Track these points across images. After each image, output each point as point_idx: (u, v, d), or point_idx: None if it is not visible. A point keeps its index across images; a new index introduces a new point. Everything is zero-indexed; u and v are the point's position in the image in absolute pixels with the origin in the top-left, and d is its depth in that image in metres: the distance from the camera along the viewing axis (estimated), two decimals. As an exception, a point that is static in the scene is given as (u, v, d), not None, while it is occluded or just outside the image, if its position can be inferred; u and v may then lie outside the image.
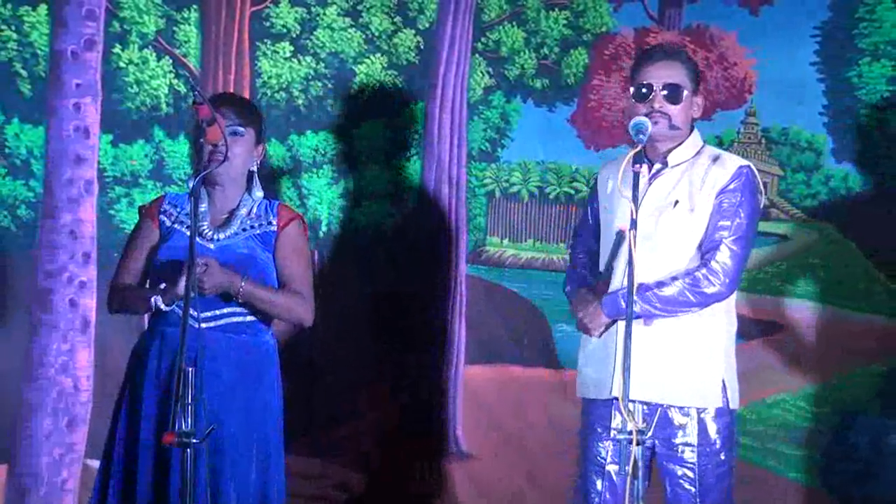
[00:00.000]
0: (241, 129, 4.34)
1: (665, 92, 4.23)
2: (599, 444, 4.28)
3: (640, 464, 3.86)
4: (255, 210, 4.42)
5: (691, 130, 4.35)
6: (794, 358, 5.97)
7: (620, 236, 4.24)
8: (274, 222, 4.42)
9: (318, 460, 5.92)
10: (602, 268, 4.36)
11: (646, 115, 4.18)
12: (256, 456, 4.31)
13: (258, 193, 4.45)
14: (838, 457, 5.83)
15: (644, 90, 4.24)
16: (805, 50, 5.98)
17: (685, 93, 4.26)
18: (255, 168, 4.44)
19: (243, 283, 4.24)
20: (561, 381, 6.10)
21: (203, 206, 4.34)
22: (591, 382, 4.35)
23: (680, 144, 4.30)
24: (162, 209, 4.42)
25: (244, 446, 4.28)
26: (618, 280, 4.24)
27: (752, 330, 6.04)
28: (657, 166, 4.29)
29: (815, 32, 6.00)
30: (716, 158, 4.30)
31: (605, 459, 4.28)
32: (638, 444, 3.86)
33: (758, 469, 5.93)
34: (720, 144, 6.16)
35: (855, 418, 5.79)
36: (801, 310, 5.99)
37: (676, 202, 4.21)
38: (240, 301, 4.26)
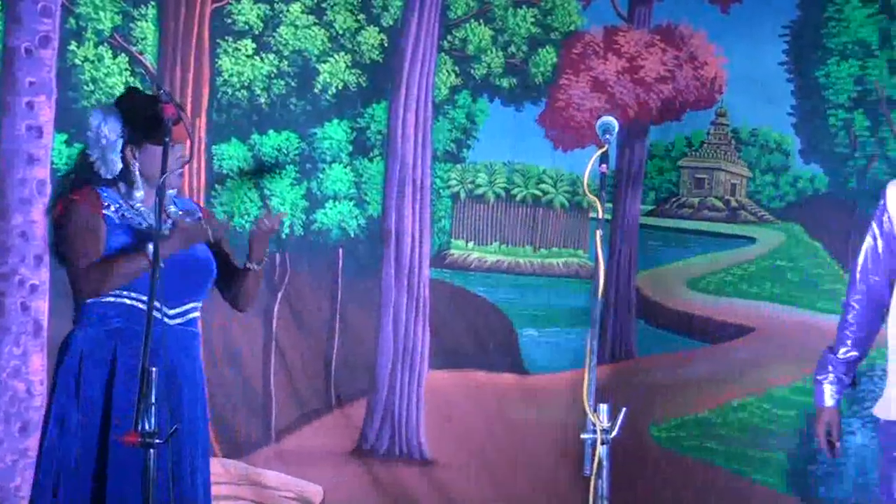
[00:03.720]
0: None
1: None
2: None
3: (604, 464, 3.95)
4: (176, 207, 4.51)
5: None
6: (761, 360, 6.11)
7: None
8: (198, 211, 4.54)
9: (277, 472, 5.98)
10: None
11: None
12: (203, 458, 4.45)
13: (172, 190, 4.53)
14: (804, 459, 5.98)
15: None
16: (774, 49, 6.16)
17: None
18: None
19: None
20: (526, 387, 6.19)
21: (140, 204, 4.40)
22: None
23: None
24: (104, 204, 4.44)
25: (192, 449, 4.40)
26: None
27: (718, 332, 6.20)
28: None
29: (784, 32, 6.18)
30: None
31: None
32: (603, 443, 3.94)
33: (722, 472, 6.08)
34: (690, 146, 6.32)
35: (821, 420, 5.95)
36: (769, 312, 6.14)
37: None
38: (256, 267, 4.40)
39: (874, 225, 4.39)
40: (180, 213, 4.42)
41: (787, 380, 6.09)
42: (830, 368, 4.40)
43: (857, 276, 4.41)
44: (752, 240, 6.26)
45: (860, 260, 4.41)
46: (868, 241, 4.39)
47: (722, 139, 6.32)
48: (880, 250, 4.37)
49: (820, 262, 6.13)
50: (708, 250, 6.32)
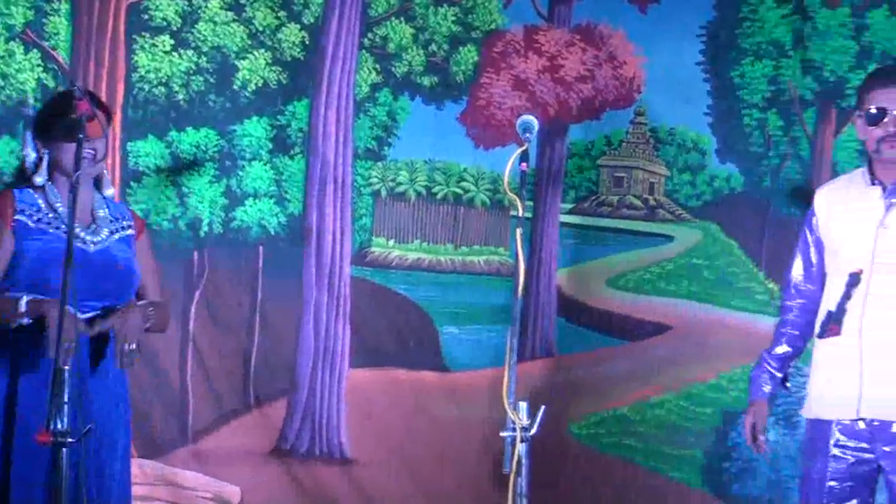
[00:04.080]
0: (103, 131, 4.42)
1: None
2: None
3: (523, 461, 3.97)
4: (107, 211, 4.48)
5: None
6: (678, 358, 6.18)
7: (856, 278, 4.24)
8: (132, 226, 4.54)
9: (193, 472, 5.96)
10: (833, 307, 4.31)
11: (881, 139, 4.20)
12: (122, 459, 4.43)
13: (109, 192, 4.52)
14: (720, 456, 6.06)
15: (877, 112, 4.21)
16: (691, 49, 6.23)
17: None
18: (105, 167, 4.52)
19: (150, 310, 4.39)
20: (447, 385, 6.20)
21: (59, 206, 4.36)
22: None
23: None
24: (18, 208, 4.38)
25: (113, 440, 4.37)
26: (853, 324, 4.23)
27: (637, 330, 6.25)
28: None
29: (701, 32, 6.26)
30: None
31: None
32: (522, 441, 3.97)
33: (640, 469, 6.14)
34: (609, 144, 6.37)
35: (736, 417, 6.02)
36: (686, 310, 6.22)
37: None
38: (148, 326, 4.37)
39: (806, 231, 4.47)
40: (110, 219, 4.41)
41: (704, 377, 6.16)
42: (764, 365, 4.50)
43: (793, 282, 4.50)
44: (669, 238, 6.32)
45: (796, 267, 4.49)
46: (801, 247, 4.47)
47: (640, 138, 6.38)
48: (814, 260, 4.45)
49: (735, 260, 6.21)
50: (627, 248, 6.37)
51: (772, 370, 4.51)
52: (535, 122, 4.21)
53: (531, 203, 6.25)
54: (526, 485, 4.07)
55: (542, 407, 3.95)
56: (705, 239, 6.26)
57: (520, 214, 4.09)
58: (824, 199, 4.43)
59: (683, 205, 6.33)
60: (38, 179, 4.35)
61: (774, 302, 6.11)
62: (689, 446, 6.13)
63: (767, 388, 4.51)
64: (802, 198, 6.07)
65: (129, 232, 4.50)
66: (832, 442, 4.28)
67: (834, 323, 4.28)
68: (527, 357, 6.25)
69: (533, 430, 3.99)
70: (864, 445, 4.24)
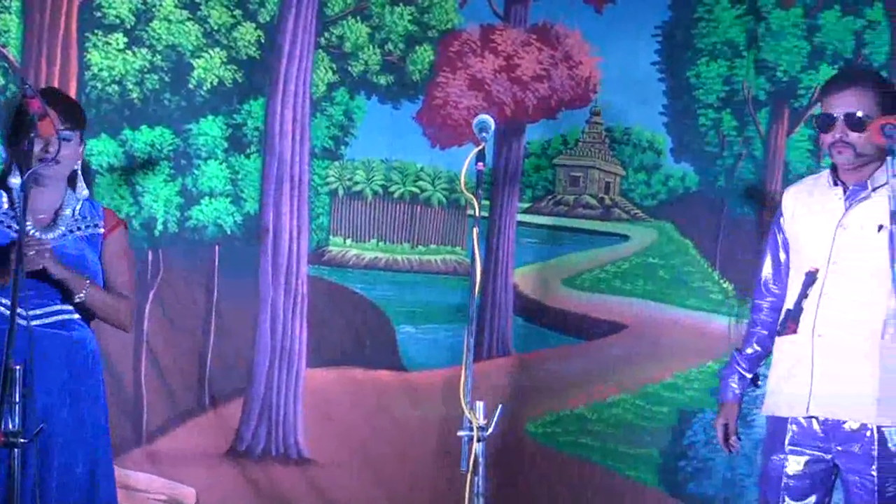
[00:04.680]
0: (69, 133, 4.41)
1: (846, 121, 4.21)
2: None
3: (480, 461, 3.97)
4: (78, 210, 4.48)
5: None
6: (634, 357, 6.20)
7: (812, 277, 4.28)
8: (101, 225, 4.55)
9: (147, 474, 5.92)
10: (790, 305, 4.36)
11: (830, 144, 4.23)
12: (84, 453, 4.41)
13: (84, 193, 4.53)
14: (676, 455, 6.09)
15: (826, 120, 4.26)
16: (647, 49, 6.26)
17: (869, 121, 4.15)
18: (78, 167, 4.50)
19: (88, 284, 4.34)
20: (404, 384, 6.20)
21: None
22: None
23: (879, 167, 4.24)
24: None
25: (73, 444, 4.33)
26: (807, 323, 4.27)
27: (593, 329, 6.27)
28: (862, 193, 4.26)
29: (657, 32, 6.28)
30: None
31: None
32: (479, 440, 3.97)
33: (596, 468, 6.16)
34: (565, 144, 6.38)
35: (692, 416, 6.05)
36: (642, 309, 6.24)
37: (881, 227, 4.15)
38: (78, 301, 4.33)
39: (775, 230, 4.50)
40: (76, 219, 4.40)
41: (660, 376, 6.19)
42: (734, 365, 4.53)
43: (763, 281, 4.53)
44: (625, 237, 6.34)
45: (766, 267, 4.52)
46: (770, 246, 4.51)
47: (596, 138, 6.40)
48: (782, 259, 4.48)
49: (690, 259, 6.24)
50: (583, 248, 6.38)
51: (741, 370, 4.53)
52: (492, 122, 4.22)
53: (488, 202, 6.26)
54: (483, 484, 4.08)
55: (499, 406, 3.96)
56: (660, 238, 6.29)
57: (476, 214, 4.10)
58: (791, 198, 4.47)
59: (639, 204, 6.35)
60: (14, 181, 4.37)
61: (729, 301, 6.15)
62: (645, 445, 6.15)
63: (737, 389, 4.54)
64: (756, 197, 6.11)
65: (97, 231, 4.51)
66: (788, 439, 4.32)
67: (791, 321, 4.32)
68: (484, 356, 6.25)
69: (490, 430, 4.00)
70: (820, 444, 4.27)
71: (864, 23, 5.99)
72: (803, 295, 4.31)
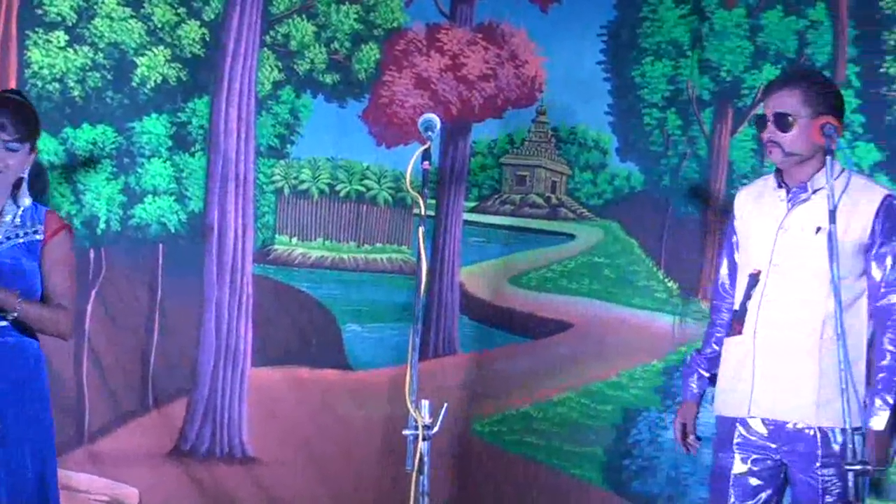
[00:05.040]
0: (17, 144, 4.35)
1: (775, 121, 4.24)
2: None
3: (425, 460, 3.96)
4: (19, 217, 4.43)
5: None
6: (579, 356, 6.22)
7: (755, 278, 4.30)
8: (41, 230, 4.49)
9: (89, 475, 5.87)
10: (736, 306, 4.39)
11: (764, 144, 4.29)
12: (34, 455, 4.41)
13: (26, 201, 4.48)
14: (621, 453, 6.11)
15: (760, 120, 4.31)
16: (592, 49, 6.28)
17: (797, 120, 4.19)
18: (24, 174, 4.45)
19: (20, 302, 4.33)
20: (350, 383, 6.18)
21: None
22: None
23: (821, 169, 4.25)
24: None
25: (24, 446, 4.33)
26: (750, 324, 4.29)
27: (539, 328, 6.28)
28: (802, 195, 4.28)
29: (602, 31, 6.30)
30: (851, 184, 4.25)
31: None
32: (425, 439, 3.96)
33: (542, 467, 6.18)
34: (512, 143, 6.39)
35: (637, 415, 6.07)
36: (588, 308, 6.26)
37: (819, 229, 4.20)
38: (12, 318, 4.30)
39: (730, 233, 4.55)
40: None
41: (605, 375, 6.21)
42: (694, 365, 4.56)
43: (720, 282, 4.57)
44: (571, 237, 6.36)
45: (722, 268, 4.55)
46: (726, 248, 4.55)
47: (543, 137, 6.41)
48: (736, 260, 4.50)
49: (635, 258, 6.26)
50: (529, 247, 6.39)
51: (700, 371, 4.56)
52: (437, 121, 4.23)
53: (434, 201, 6.26)
54: (428, 483, 4.08)
55: (445, 405, 3.97)
56: (606, 237, 6.31)
57: (422, 213, 4.09)
58: (742, 199, 4.50)
59: (585, 203, 6.37)
60: None
61: (673, 300, 6.18)
62: (590, 444, 6.17)
63: (696, 389, 4.56)
64: (700, 197, 6.14)
65: (36, 238, 4.46)
66: (735, 439, 4.33)
67: (737, 322, 4.36)
68: (430, 355, 6.25)
69: (435, 429, 4.00)
70: (766, 443, 4.29)
71: (806, 23, 6.02)
72: (747, 296, 4.34)
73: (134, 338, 6.00)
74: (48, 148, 5.84)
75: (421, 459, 3.99)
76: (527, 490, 6.17)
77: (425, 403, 4.06)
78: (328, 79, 6.26)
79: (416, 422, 3.99)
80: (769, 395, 4.25)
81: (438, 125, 4.23)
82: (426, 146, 4.16)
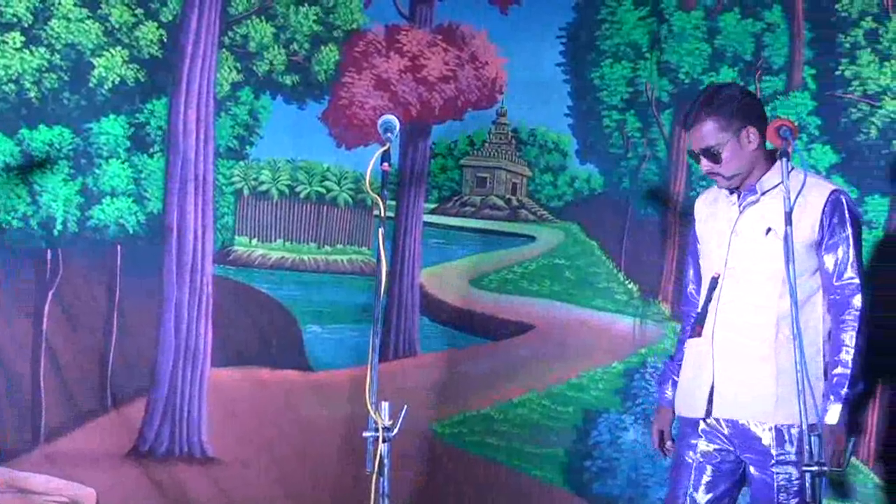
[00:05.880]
0: None
1: (705, 155, 4.30)
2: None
3: (385, 461, 3.96)
4: None
5: (774, 155, 4.31)
6: (540, 357, 6.23)
7: (714, 281, 4.34)
8: None
9: (46, 475, 5.80)
10: (699, 309, 4.43)
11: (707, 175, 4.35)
12: None
13: None
14: (581, 455, 6.12)
15: (693, 155, 4.37)
16: (552, 51, 6.30)
17: (723, 146, 4.25)
18: None
19: None
20: (311, 384, 6.16)
21: None
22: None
23: (767, 171, 4.32)
24: None
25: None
26: (710, 326, 4.34)
27: (500, 330, 6.29)
28: (750, 197, 4.32)
29: (561, 33, 6.30)
30: (806, 184, 4.20)
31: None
32: (384, 441, 3.95)
33: (502, 468, 6.18)
34: (472, 145, 6.38)
35: (597, 416, 6.08)
36: (548, 309, 6.27)
37: (769, 230, 4.25)
38: None
39: (692, 239, 4.59)
40: None
41: (566, 376, 6.22)
42: (668, 372, 4.59)
43: (687, 289, 4.61)
44: (532, 238, 6.37)
45: (688, 275, 4.59)
46: (691, 255, 4.61)
47: (503, 139, 6.41)
48: (703, 265, 4.52)
49: (596, 260, 6.28)
50: (490, 248, 6.40)
51: (675, 377, 4.58)
52: (397, 122, 4.22)
53: (394, 203, 6.25)
54: (388, 484, 4.07)
55: (405, 407, 3.96)
56: (567, 239, 6.33)
57: (382, 214, 4.08)
58: (701, 204, 4.55)
59: (545, 205, 6.38)
60: None
61: (634, 301, 6.19)
62: (551, 445, 6.17)
63: (671, 395, 4.57)
64: (660, 198, 6.15)
65: None
66: (695, 438, 4.36)
67: (698, 324, 4.39)
68: (390, 356, 6.25)
69: (395, 431, 3.99)
70: (725, 442, 4.32)
71: (763, 25, 6.05)
72: (707, 299, 4.38)
73: (92, 338, 5.95)
74: (4, 149, 5.80)
75: (381, 461, 3.99)
76: (487, 491, 6.17)
77: (385, 405, 4.05)
78: (287, 80, 6.24)
79: (376, 423, 3.98)
80: (729, 397, 4.28)
81: (398, 126, 4.22)
82: (386, 147, 4.16)
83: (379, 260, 4.02)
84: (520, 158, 6.40)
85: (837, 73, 5.84)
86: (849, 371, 4.13)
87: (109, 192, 5.97)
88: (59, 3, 5.86)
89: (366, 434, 4.00)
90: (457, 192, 6.43)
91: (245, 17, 6.17)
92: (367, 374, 4.03)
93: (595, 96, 6.30)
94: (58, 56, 5.89)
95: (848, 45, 5.83)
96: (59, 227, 5.88)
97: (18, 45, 5.83)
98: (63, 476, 5.82)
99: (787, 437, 4.20)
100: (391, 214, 6.23)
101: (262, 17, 6.17)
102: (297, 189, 6.29)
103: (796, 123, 4.41)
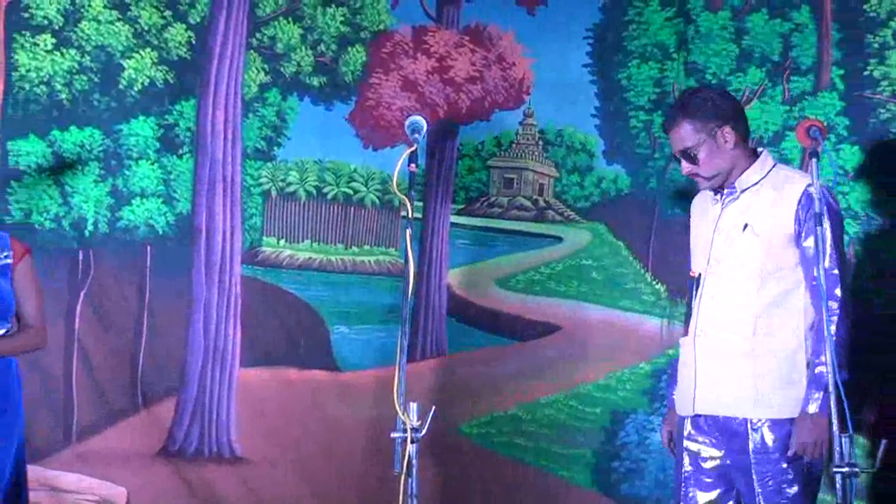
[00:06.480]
0: None
1: (684, 157, 4.37)
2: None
3: (413, 462, 3.96)
4: None
5: (756, 153, 4.40)
6: (567, 358, 6.21)
7: (697, 281, 4.40)
8: (9, 255, 4.61)
9: (77, 474, 5.84)
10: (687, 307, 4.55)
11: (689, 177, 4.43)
12: (12, 463, 4.50)
13: None
14: (609, 455, 6.10)
15: (675, 157, 4.44)
16: (579, 51, 6.28)
17: (699, 147, 4.31)
18: None
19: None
20: (338, 384, 6.17)
21: None
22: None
23: (747, 168, 4.36)
24: None
25: (4, 455, 4.38)
26: (694, 323, 4.38)
27: (527, 330, 6.27)
28: (731, 195, 4.37)
29: (588, 34, 6.29)
30: (784, 179, 4.34)
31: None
32: (412, 442, 3.96)
33: (530, 468, 6.17)
34: (499, 146, 6.38)
35: (625, 417, 6.07)
36: (575, 310, 6.26)
37: (746, 226, 4.30)
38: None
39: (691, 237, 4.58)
40: None
41: (593, 377, 6.20)
42: (675, 372, 4.58)
43: (692, 287, 4.58)
44: (559, 239, 6.36)
45: (692, 273, 4.59)
46: (692, 253, 4.58)
47: (530, 139, 6.40)
48: None
49: (623, 261, 6.26)
50: (517, 249, 6.39)
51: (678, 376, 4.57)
52: (424, 123, 4.23)
53: (421, 203, 6.25)
54: (416, 485, 4.07)
55: (433, 408, 3.96)
56: (594, 240, 6.31)
57: (409, 215, 4.08)
58: (693, 204, 4.61)
59: (572, 206, 6.37)
60: None
61: (661, 302, 6.17)
62: (578, 446, 6.16)
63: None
64: (687, 199, 6.13)
65: (6, 262, 4.58)
66: (685, 436, 4.38)
67: (686, 323, 4.45)
68: (417, 357, 6.24)
69: (423, 431, 4.00)
70: (712, 440, 4.33)
71: (791, 26, 6.02)
72: (693, 297, 4.44)
73: (122, 338, 5.98)
74: (36, 150, 5.85)
75: (409, 462, 3.99)
76: (515, 492, 6.16)
77: (413, 406, 4.06)
78: (315, 81, 6.24)
79: (404, 424, 3.99)
80: (711, 393, 4.31)
81: (425, 127, 4.23)
82: (413, 148, 4.17)
83: (406, 261, 4.03)
84: (547, 159, 6.39)
85: (866, 73, 5.81)
86: (830, 360, 4.10)
87: (139, 193, 6.01)
88: (90, 6, 5.91)
89: (394, 435, 4.01)
90: (484, 193, 6.42)
91: (272, 19, 6.18)
92: (395, 375, 4.03)
93: (622, 97, 6.28)
94: (88, 58, 5.93)
95: (876, 46, 5.80)
96: (90, 227, 5.93)
97: (49, 47, 5.88)
98: (94, 475, 5.86)
99: (763, 434, 4.19)
100: (418, 215, 6.23)
101: (290, 19, 6.19)
102: (325, 190, 6.29)
103: (825, 124, 4.40)
